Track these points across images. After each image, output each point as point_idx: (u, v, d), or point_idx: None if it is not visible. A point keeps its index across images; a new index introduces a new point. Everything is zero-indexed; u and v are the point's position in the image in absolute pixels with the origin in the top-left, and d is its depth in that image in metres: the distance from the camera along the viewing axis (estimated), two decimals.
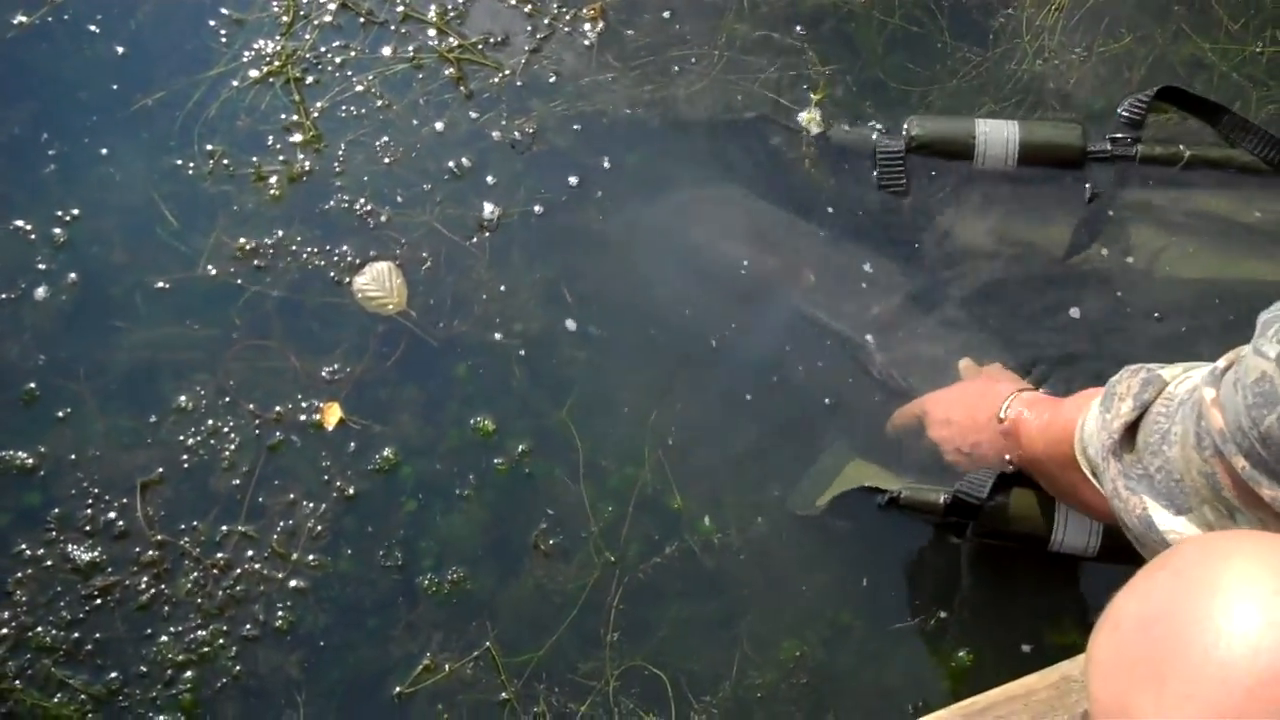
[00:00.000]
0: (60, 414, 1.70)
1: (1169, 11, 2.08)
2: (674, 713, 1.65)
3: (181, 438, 1.71)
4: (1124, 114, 1.97)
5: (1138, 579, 1.04)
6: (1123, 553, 1.53)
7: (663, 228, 1.92)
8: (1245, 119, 1.97)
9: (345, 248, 1.85)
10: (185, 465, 1.70)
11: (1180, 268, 1.94)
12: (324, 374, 1.77)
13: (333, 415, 1.74)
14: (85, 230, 1.81)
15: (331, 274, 1.82)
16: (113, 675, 1.59)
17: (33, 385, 1.71)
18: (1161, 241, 1.94)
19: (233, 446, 1.71)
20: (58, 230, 1.80)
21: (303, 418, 1.74)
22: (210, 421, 1.72)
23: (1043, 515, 1.64)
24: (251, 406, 1.74)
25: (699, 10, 2.03)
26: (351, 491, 1.71)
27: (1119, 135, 1.95)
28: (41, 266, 1.78)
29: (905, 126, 1.94)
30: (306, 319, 1.80)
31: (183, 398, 1.73)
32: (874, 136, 1.94)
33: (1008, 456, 1.63)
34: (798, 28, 2.04)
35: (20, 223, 1.80)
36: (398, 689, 1.62)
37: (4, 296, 1.75)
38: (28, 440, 1.68)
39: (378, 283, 1.81)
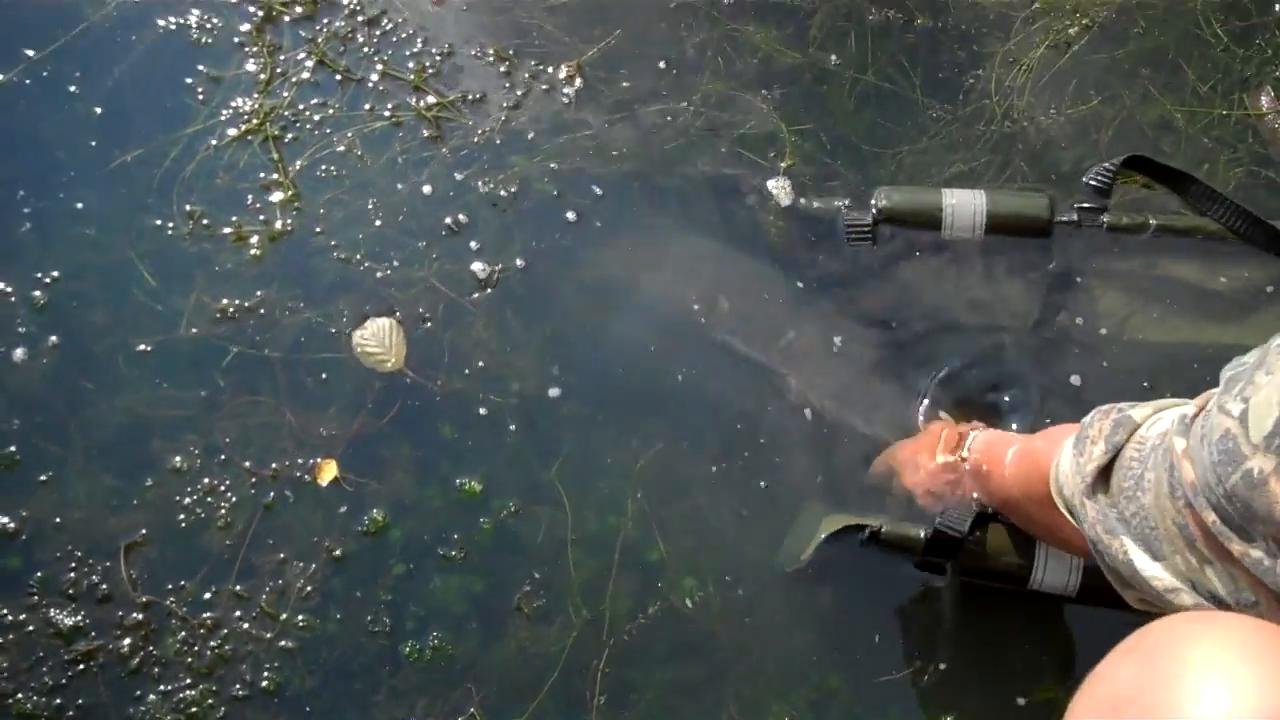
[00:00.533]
0: (42, 478, 1.69)
1: (1136, 74, 2.12)
2: None
3: (169, 497, 1.71)
4: (1091, 182, 1.98)
5: (1109, 660, 1.07)
6: (1103, 593, 1.56)
7: (641, 283, 1.96)
8: (1212, 188, 1.99)
9: (339, 304, 1.87)
10: (171, 526, 1.69)
11: (1148, 332, 1.97)
12: (320, 430, 1.78)
13: (328, 472, 1.75)
14: (65, 292, 1.81)
15: (331, 329, 1.84)
16: None
17: (13, 449, 1.71)
18: (1129, 308, 1.98)
19: (226, 505, 1.72)
20: (37, 293, 1.80)
21: (298, 474, 1.75)
22: (205, 480, 1.73)
23: (1022, 553, 1.67)
24: (246, 464, 1.75)
25: (677, 67, 2.07)
26: (340, 553, 1.72)
27: (1086, 205, 1.97)
28: (21, 329, 1.78)
29: (874, 199, 1.96)
30: (301, 375, 1.82)
31: (177, 458, 1.74)
32: (842, 208, 1.97)
33: (975, 495, 1.66)
34: (772, 89, 2.09)
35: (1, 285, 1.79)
36: None
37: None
38: (9, 504, 1.68)
39: (377, 339, 1.83)
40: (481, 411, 1.82)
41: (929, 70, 2.10)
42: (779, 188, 2.00)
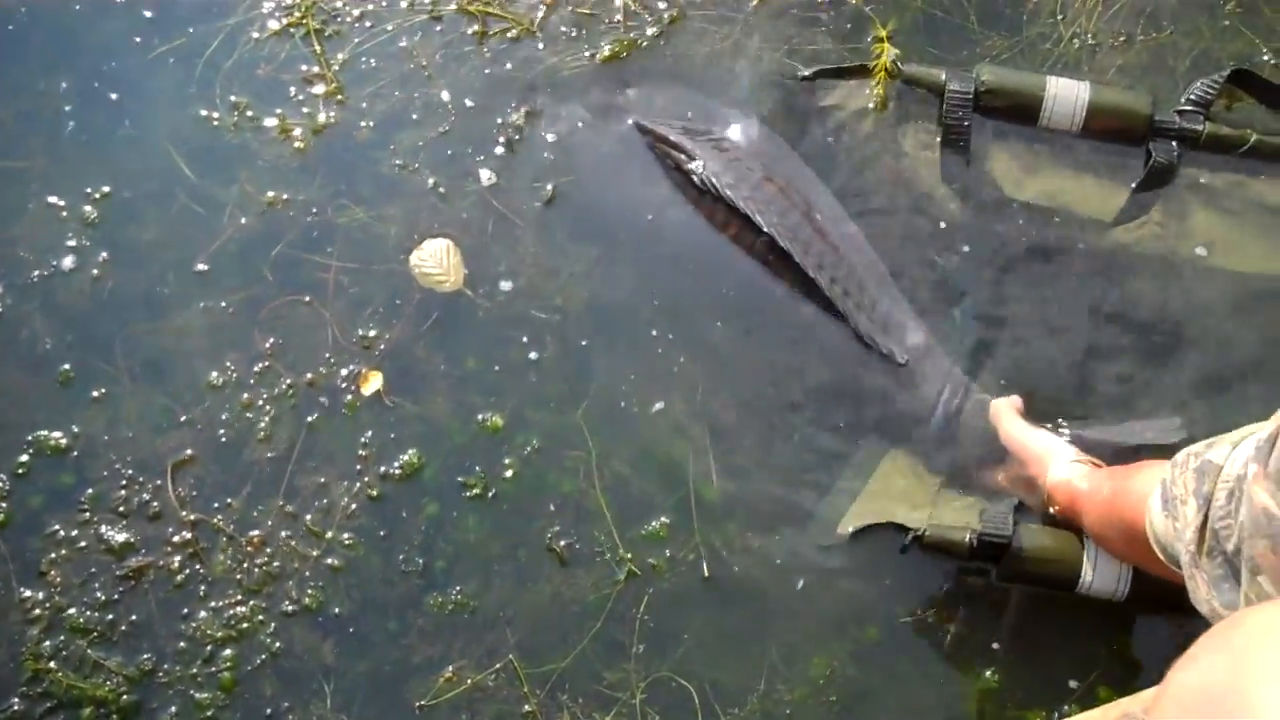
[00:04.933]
0: (94, 394, 1.71)
1: (1218, 8, 2.01)
2: None
3: (216, 413, 1.71)
4: (1193, 95, 1.90)
5: (1199, 650, 1.01)
6: (1152, 597, 1.61)
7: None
8: None
9: (387, 209, 1.83)
10: (217, 443, 1.70)
11: (1229, 259, 1.87)
12: (363, 340, 1.76)
13: (372, 382, 1.74)
14: (114, 204, 1.80)
15: (379, 234, 1.82)
16: (147, 655, 1.61)
17: (67, 366, 1.72)
18: (1213, 230, 1.89)
19: (267, 419, 1.72)
20: (88, 208, 1.80)
21: (341, 384, 1.74)
22: (246, 395, 1.73)
23: (1070, 559, 1.62)
24: (288, 375, 1.74)
25: None
26: (375, 492, 1.70)
27: (1187, 108, 1.89)
28: (72, 243, 1.77)
29: (976, 72, 1.90)
30: (355, 289, 1.79)
31: (213, 373, 1.73)
32: (944, 77, 1.89)
33: (1053, 509, 1.63)
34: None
35: (54, 199, 1.80)
36: (419, 703, 1.63)
37: (37, 275, 1.76)
38: (62, 420, 1.69)
39: (435, 259, 1.80)
40: (526, 337, 1.79)
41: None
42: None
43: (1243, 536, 1.06)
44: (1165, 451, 1.38)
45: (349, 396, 1.72)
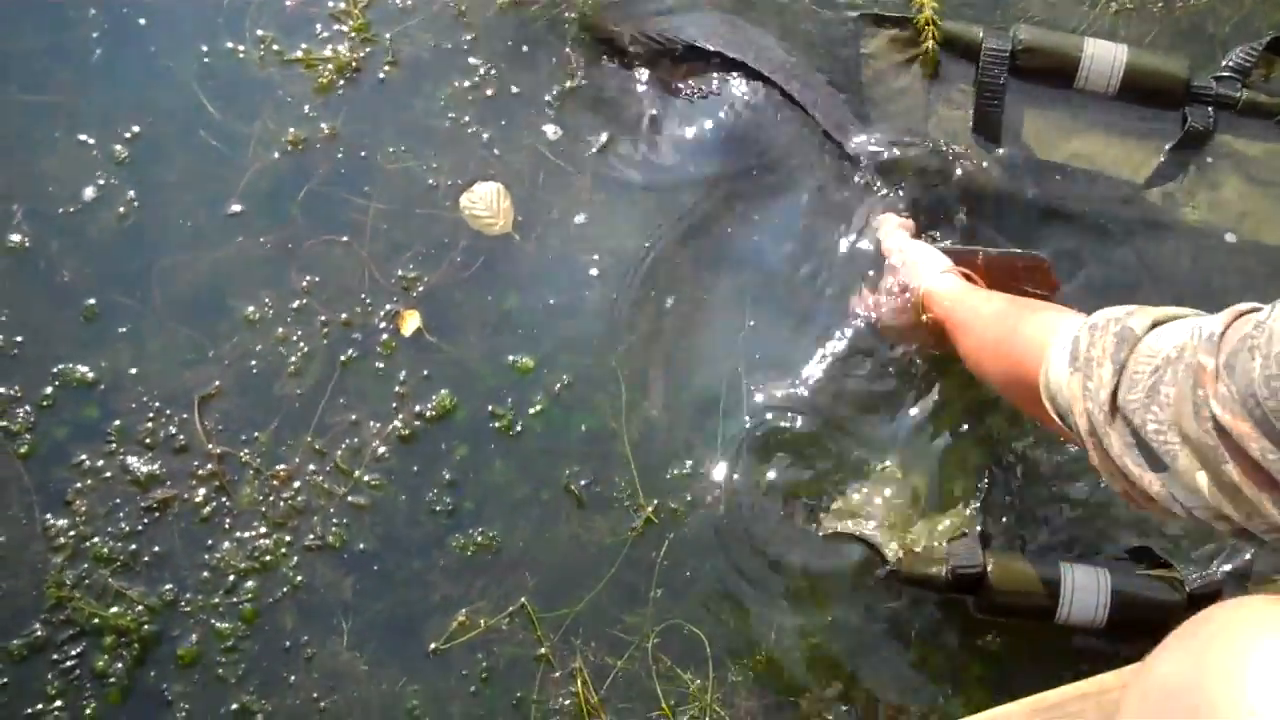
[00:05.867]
0: (121, 329, 1.71)
1: None
2: (711, 672, 1.65)
3: (247, 348, 1.72)
4: (1231, 62, 1.90)
5: (1169, 644, 1.04)
6: (1131, 625, 1.63)
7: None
8: None
9: (428, 151, 1.83)
10: (247, 376, 1.71)
11: (1263, 232, 1.87)
12: (404, 282, 1.77)
13: (410, 321, 1.75)
14: (143, 142, 1.79)
15: (430, 182, 1.82)
16: (169, 586, 1.63)
17: (92, 301, 1.73)
18: (1245, 199, 1.88)
19: (299, 355, 1.72)
20: (118, 147, 1.79)
21: (380, 324, 1.75)
22: (280, 329, 1.73)
23: (1046, 590, 1.63)
24: (324, 317, 1.74)
25: None
26: (407, 431, 1.71)
27: (1225, 74, 1.89)
28: (101, 182, 1.76)
29: (1013, 30, 1.89)
30: (394, 229, 1.80)
31: (248, 307, 1.74)
32: (980, 35, 1.89)
33: (925, 317, 1.66)
34: None
35: (83, 136, 1.79)
36: (433, 645, 1.65)
37: (63, 210, 1.75)
38: (88, 355, 1.69)
39: (485, 202, 1.81)
40: (570, 283, 1.80)
41: None
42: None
43: (1162, 420, 1.06)
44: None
45: (385, 336, 1.73)
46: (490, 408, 1.71)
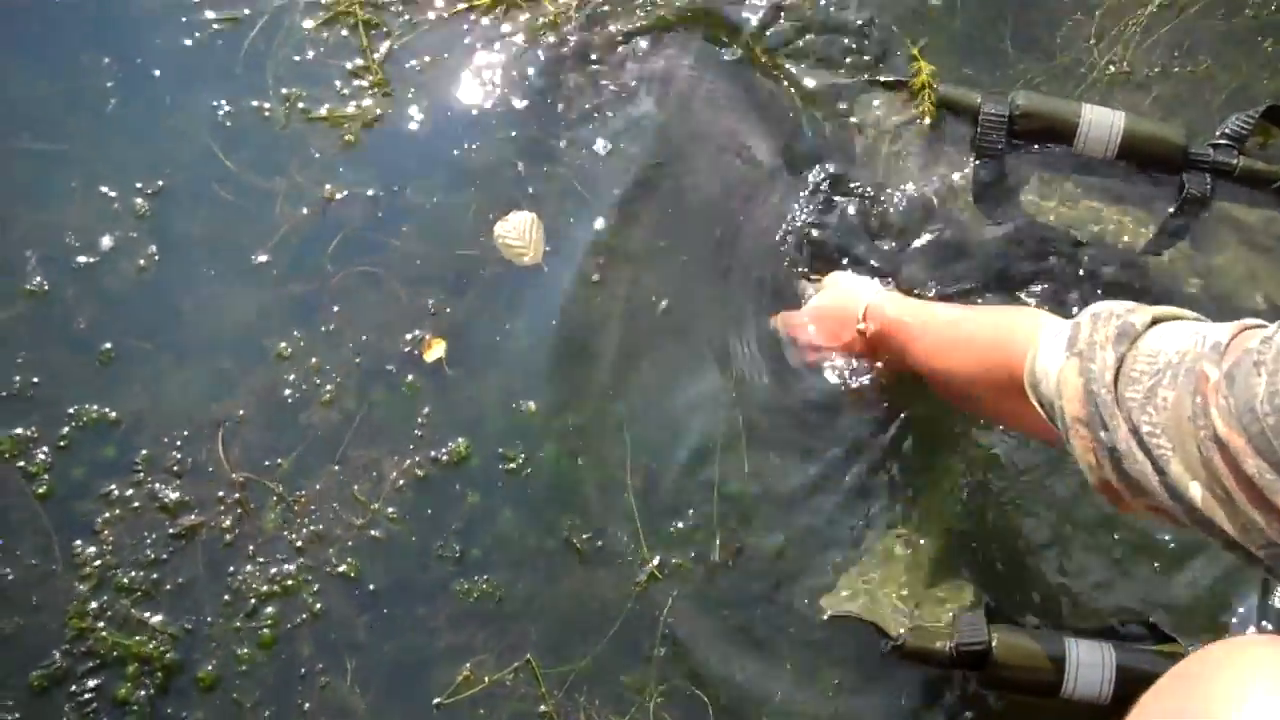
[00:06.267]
0: (140, 370, 1.73)
1: (1257, 45, 2.05)
2: None
3: (274, 378, 1.74)
4: (1227, 129, 1.94)
5: (1165, 681, 1.07)
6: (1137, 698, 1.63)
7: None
8: None
9: (456, 189, 1.88)
10: (272, 406, 1.73)
11: (1259, 296, 1.90)
12: (430, 309, 1.80)
13: (435, 349, 1.78)
14: (163, 191, 1.82)
15: (465, 216, 1.86)
16: (191, 615, 1.63)
17: (109, 345, 1.73)
18: (1244, 265, 1.92)
19: (331, 385, 1.75)
20: (136, 199, 1.81)
21: (407, 349, 1.78)
22: (312, 359, 1.76)
23: (1052, 666, 1.63)
24: (347, 350, 1.77)
25: None
26: (422, 473, 1.73)
27: (1221, 142, 1.94)
28: (119, 232, 1.79)
29: (1011, 96, 1.94)
30: (422, 263, 1.83)
31: (274, 342, 1.76)
32: (978, 99, 1.93)
33: (863, 328, 1.69)
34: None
35: (101, 187, 1.82)
36: (437, 700, 1.65)
37: (82, 260, 1.77)
38: (107, 395, 1.71)
39: (519, 231, 1.85)
40: (590, 321, 1.82)
41: (1021, 23, 2.04)
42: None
43: (1157, 423, 1.07)
44: None
45: (410, 375, 1.75)
46: (501, 450, 1.73)
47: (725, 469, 1.75)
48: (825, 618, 1.69)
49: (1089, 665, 1.61)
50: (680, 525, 1.72)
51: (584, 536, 1.70)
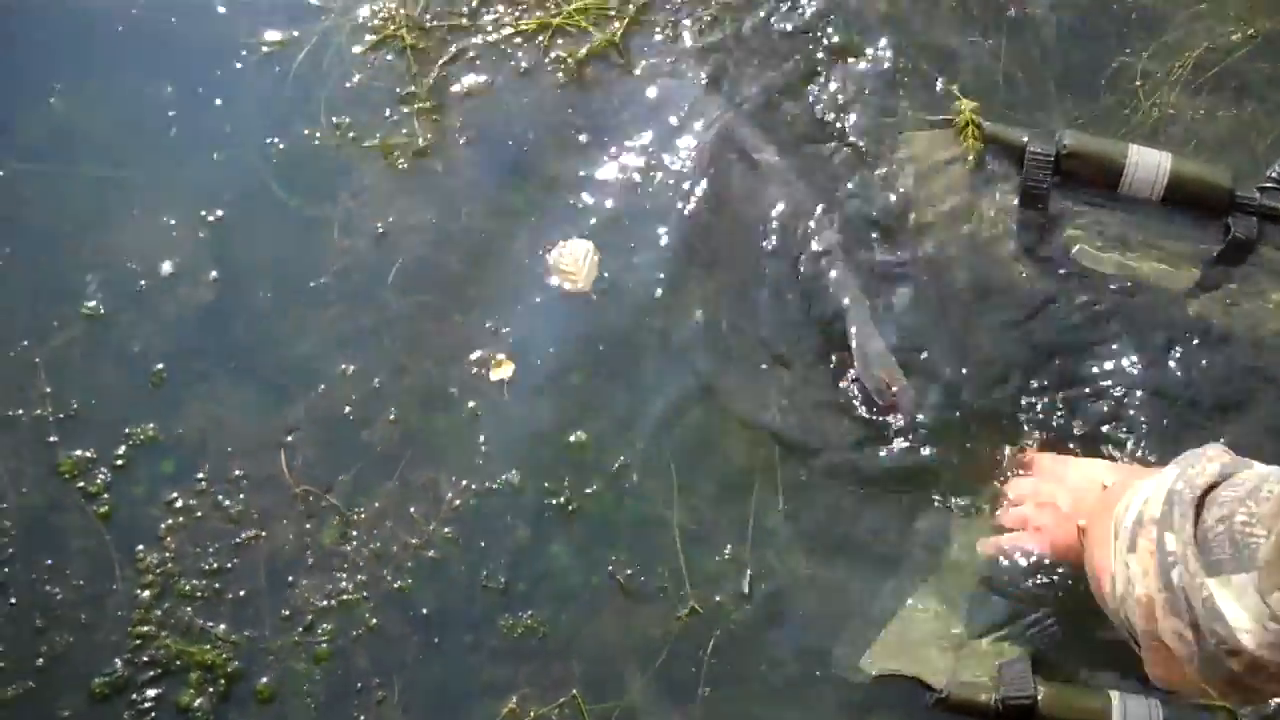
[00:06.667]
0: (199, 389, 1.76)
1: None
2: None
3: (336, 396, 1.78)
4: (1274, 173, 1.95)
5: None
6: None
7: None
8: None
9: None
10: (335, 422, 1.76)
11: None
12: (491, 332, 1.83)
13: (504, 369, 1.81)
14: (224, 219, 1.86)
15: (518, 243, 1.89)
16: (251, 627, 1.66)
17: (160, 366, 1.77)
18: None
19: (393, 405, 1.78)
20: (202, 234, 1.86)
21: (474, 370, 1.81)
22: (375, 381, 1.79)
23: (1097, 715, 1.62)
24: (409, 370, 1.81)
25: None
26: (474, 502, 1.75)
27: (1269, 185, 1.95)
28: (179, 258, 1.83)
29: (1058, 135, 1.95)
30: (487, 285, 1.86)
31: (344, 364, 1.79)
32: (1025, 138, 1.94)
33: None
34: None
35: (163, 214, 1.86)
36: None
37: (142, 284, 1.82)
38: (166, 414, 1.74)
39: (573, 258, 1.88)
40: (636, 352, 1.85)
41: (1070, 69, 2.05)
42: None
43: (1255, 514, 1.04)
44: None
45: (469, 400, 1.77)
46: (549, 484, 1.74)
47: (766, 511, 1.75)
48: (870, 674, 1.68)
49: (1137, 705, 1.59)
50: (720, 561, 1.72)
51: (628, 572, 1.72)
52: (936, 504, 1.75)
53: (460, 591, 1.70)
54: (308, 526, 1.70)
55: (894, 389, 1.77)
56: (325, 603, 1.67)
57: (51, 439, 1.70)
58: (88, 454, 1.70)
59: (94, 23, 1.97)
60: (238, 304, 1.81)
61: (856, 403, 1.79)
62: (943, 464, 1.77)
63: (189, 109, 1.92)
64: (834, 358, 1.82)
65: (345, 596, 1.67)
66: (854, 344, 1.82)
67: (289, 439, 1.74)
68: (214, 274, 1.82)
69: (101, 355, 1.77)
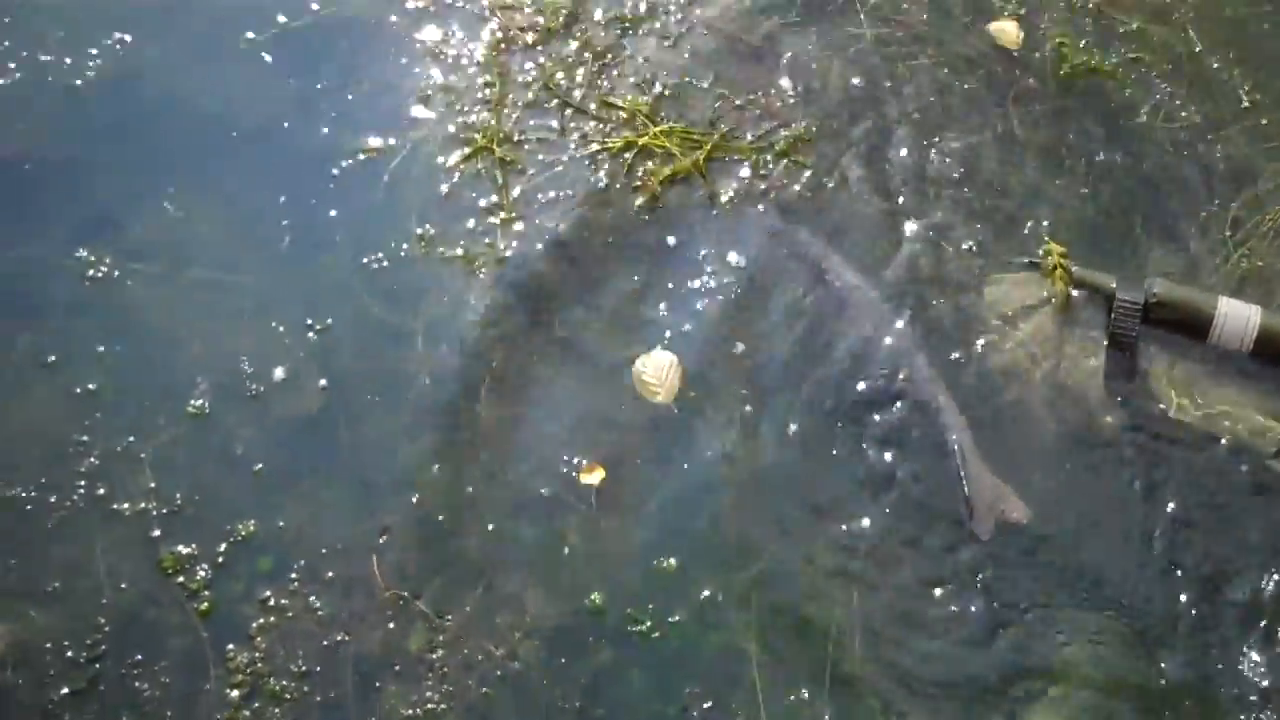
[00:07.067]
0: (297, 489, 1.79)
1: None
2: None
3: (429, 501, 1.79)
4: None
5: None
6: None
7: None
8: None
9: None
10: (426, 527, 1.78)
11: None
12: (580, 438, 1.85)
13: (595, 474, 1.82)
14: (332, 330, 1.92)
15: (606, 357, 1.93)
16: None
17: (260, 466, 1.81)
18: None
19: (483, 515, 1.79)
20: (311, 336, 1.91)
21: (565, 470, 1.83)
22: (468, 489, 1.81)
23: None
24: (501, 477, 1.83)
25: None
26: (560, 618, 1.74)
27: None
28: (290, 364, 1.88)
29: (1147, 283, 1.96)
30: (573, 395, 1.90)
31: (437, 467, 1.82)
32: (1114, 284, 1.96)
33: None
34: None
35: (273, 322, 1.92)
36: None
37: (253, 387, 1.86)
38: (264, 512, 1.77)
39: (656, 369, 1.91)
40: (717, 476, 1.85)
41: (1153, 214, 2.09)
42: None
43: None
44: None
45: (559, 514, 1.77)
46: (632, 610, 1.73)
47: (844, 647, 1.73)
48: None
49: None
50: (796, 702, 1.69)
51: (704, 706, 1.69)
52: None
53: (539, 712, 1.67)
54: (395, 630, 1.70)
55: (1004, 509, 1.80)
56: (410, 711, 1.65)
57: (154, 533, 1.73)
58: (189, 549, 1.72)
59: (206, 126, 2.06)
60: (340, 410, 1.84)
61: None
62: None
63: (298, 216, 1.97)
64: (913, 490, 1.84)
65: (430, 705, 1.66)
66: (964, 469, 1.83)
67: (381, 541, 1.75)
68: (323, 382, 1.86)
69: (205, 454, 1.79)
